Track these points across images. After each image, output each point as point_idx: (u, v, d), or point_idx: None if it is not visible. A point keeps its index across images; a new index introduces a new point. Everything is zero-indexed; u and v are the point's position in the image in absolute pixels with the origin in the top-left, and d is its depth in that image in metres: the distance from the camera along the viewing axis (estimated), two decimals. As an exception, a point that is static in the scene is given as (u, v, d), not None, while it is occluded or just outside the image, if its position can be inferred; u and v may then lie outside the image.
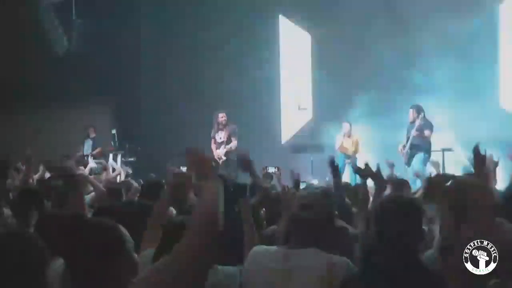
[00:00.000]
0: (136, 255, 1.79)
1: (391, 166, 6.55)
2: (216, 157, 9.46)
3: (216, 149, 9.70)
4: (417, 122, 8.56)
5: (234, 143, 9.67)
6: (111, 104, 12.50)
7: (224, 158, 9.58)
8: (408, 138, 8.70)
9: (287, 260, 2.44)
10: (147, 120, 12.11)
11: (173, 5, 11.76)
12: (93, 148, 11.07)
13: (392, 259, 2.13)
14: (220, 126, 9.73)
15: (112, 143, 11.10)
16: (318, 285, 2.34)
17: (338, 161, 9.54)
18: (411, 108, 8.77)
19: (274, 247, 2.63)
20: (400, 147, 8.80)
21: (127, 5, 11.73)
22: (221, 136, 9.74)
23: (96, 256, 1.62)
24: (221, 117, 9.72)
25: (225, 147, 9.63)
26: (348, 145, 9.69)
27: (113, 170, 7.79)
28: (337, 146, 9.69)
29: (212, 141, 9.81)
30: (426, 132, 8.55)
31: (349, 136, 9.74)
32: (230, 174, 8.49)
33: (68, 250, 1.65)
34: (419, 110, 8.65)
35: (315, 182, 8.50)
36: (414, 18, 10.04)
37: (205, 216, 1.68)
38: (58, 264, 2.17)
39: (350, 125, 9.79)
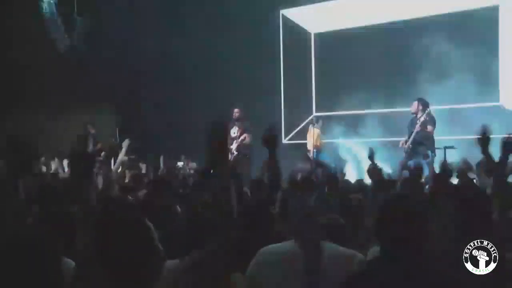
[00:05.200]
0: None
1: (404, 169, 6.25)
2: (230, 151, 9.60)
3: (230, 144, 9.76)
4: (422, 117, 8.39)
5: (247, 139, 9.67)
6: (112, 102, 12.50)
7: (235, 153, 9.62)
8: (410, 132, 8.50)
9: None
10: (148, 118, 12.11)
11: (174, 4, 11.75)
12: (95, 144, 11.09)
13: (396, 259, 2.15)
14: (233, 122, 9.79)
15: (113, 139, 11.11)
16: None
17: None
18: (416, 100, 8.56)
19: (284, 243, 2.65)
20: (402, 141, 8.63)
21: (128, 3, 11.73)
22: (234, 131, 9.77)
23: (127, 248, 1.70)
24: (236, 112, 9.78)
25: (236, 142, 9.66)
26: (312, 138, 9.89)
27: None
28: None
29: (228, 136, 9.90)
30: (429, 128, 8.37)
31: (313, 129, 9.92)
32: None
33: (101, 242, 1.72)
34: (424, 104, 8.47)
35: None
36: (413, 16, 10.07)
37: None
38: (69, 263, 2.22)
39: (316, 119, 9.95)
